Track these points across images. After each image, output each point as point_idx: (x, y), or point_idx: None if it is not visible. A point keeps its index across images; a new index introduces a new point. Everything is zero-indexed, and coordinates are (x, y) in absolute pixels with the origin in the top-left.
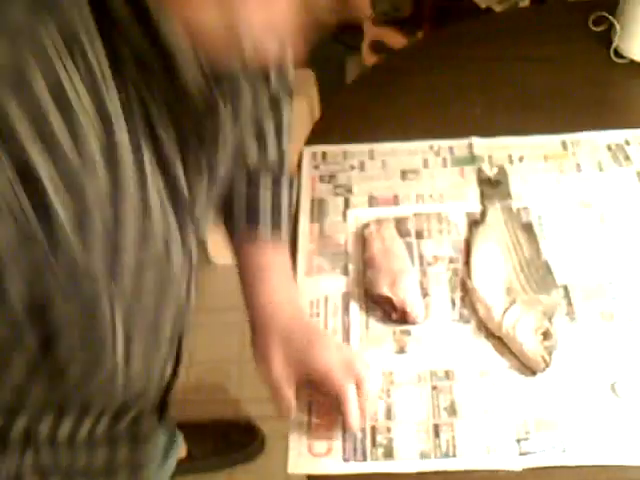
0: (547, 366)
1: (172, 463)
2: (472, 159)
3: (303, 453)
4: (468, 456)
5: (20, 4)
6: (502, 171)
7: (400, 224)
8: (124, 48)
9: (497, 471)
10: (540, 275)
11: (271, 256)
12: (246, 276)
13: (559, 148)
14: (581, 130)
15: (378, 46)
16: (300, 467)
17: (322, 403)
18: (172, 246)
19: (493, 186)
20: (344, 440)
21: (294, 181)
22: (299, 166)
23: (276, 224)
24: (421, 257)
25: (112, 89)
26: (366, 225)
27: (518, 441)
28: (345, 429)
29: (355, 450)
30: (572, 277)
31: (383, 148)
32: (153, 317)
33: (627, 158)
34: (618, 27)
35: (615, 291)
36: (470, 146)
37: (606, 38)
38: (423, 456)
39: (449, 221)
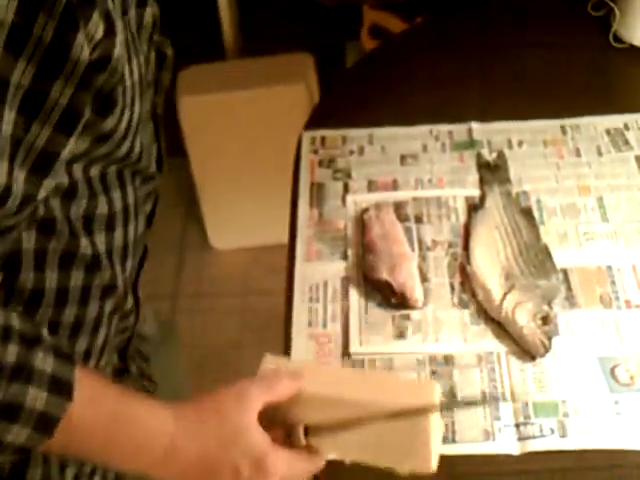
0: (546, 351)
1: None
2: (471, 144)
3: None
4: (467, 441)
5: None
6: (501, 156)
7: (399, 209)
8: None
9: (496, 456)
10: (539, 260)
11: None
12: None
13: (558, 133)
14: (580, 115)
15: (377, 31)
16: None
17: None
18: None
19: (492, 171)
20: None
21: None
22: (298, 151)
23: None
24: (420, 242)
25: None
26: (365, 210)
27: (517, 426)
28: None
29: None
30: (571, 261)
31: (382, 133)
32: None
33: (626, 143)
34: (617, 12)
35: (614, 275)
36: (469, 131)
37: (605, 23)
38: None
39: (448, 206)
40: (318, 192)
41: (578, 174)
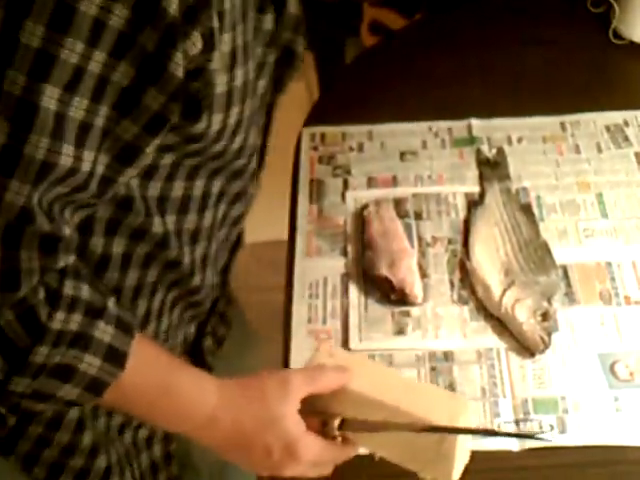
0: (546, 347)
1: None
2: (471, 140)
3: None
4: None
5: None
6: (501, 152)
7: (399, 205)
8: None
9: (496, 452)
10: (539, 256)
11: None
12: None
13: (558, 129)
14: (580, 111)
15: (377, 27)
16: None
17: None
18: None
19: (492, 167)
20: None
21: None
22: (298, 147)
23: None
24: (420, 238)
25: None
26: (365, 206)
27: (517, 422)
28: None
29: None
30: (571, 258)
31: (382, 129)
32: None
33: (626, 139)
34: (617, 8)
35: (614, 272)
36: (469, 127)
37: (605, 19)
38: None
39: (448, 202)
40: (318, 188)
41: (578, 170)
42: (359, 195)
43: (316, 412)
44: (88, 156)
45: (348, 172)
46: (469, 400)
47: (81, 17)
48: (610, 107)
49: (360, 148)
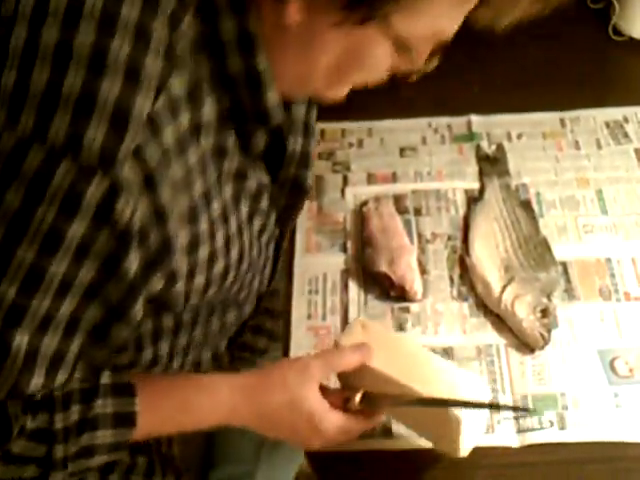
0: (546, 343)
1: None
2: (471, 136)
3: None
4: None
5: None
6: (501, 148)
7: (399, 201)
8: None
9: (496, 448)
10: (538, 252)
11: None
12: None
13: (557, 126)
14: (579, 108)
15: None
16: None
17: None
18: None
19: (492, 163)
20: None
21: None
22: None
23: None
24: (420, 234)
25: None
26: (364, 202)
27: (516, 418)
28: None
29: None
30: (571, 254)
31: (381, 126)
32: None
33: (625, 135)
34: (617, 5)
35: (613, 268)
36: (469, 123)
37: (605, 16)
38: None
39: (447, 198)
40: (317, 184)
41: (577, 167)
42: (359, 191)
43: (338, 390)
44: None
45: (348, 168)
46: (480, 378)
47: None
48: (610, 103)
49: (360, 144)
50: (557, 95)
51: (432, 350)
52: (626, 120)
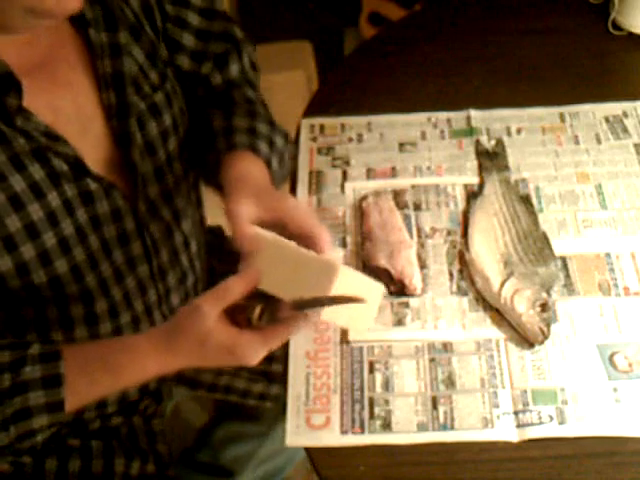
0: (545, 338)
1: None
2: (470, 131)
3: (301, 426)
4: (466, 428)
5: None
6: (500, 143)
7: (398, 196)
8: None
9: (495, 443)
10: (538, 247)
11: (249, 164)
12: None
13: (557, 120)
14: (579, 102)
15: (376, 18)
16: (298, 440)
17: (319, 375)
18: None
19: (491, 158)
20: (342, 412)
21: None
22: (297, 138)
23: (253, 144)
24: (419, 229)
25: None
26: (364, 197)
27: (516, 413)
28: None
29: (353, 422)
30: (570, 249)
31: (381, 120)
32: None
33: (625, 130)
34: (616, 0)
35: (613, 262)
36: (468, 118)
37: (604, 10)
38: (421, 428)
39: (447, 193)
40: (317, 179)
41: (577, 161)
42: (358, 186)
43: (237, 310)
44: None
45: (347, 163)
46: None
47: None
48: (609, 98)
49: (359, 139)
50: (556, 90)
51: (432, 345)
52: (625, 115)
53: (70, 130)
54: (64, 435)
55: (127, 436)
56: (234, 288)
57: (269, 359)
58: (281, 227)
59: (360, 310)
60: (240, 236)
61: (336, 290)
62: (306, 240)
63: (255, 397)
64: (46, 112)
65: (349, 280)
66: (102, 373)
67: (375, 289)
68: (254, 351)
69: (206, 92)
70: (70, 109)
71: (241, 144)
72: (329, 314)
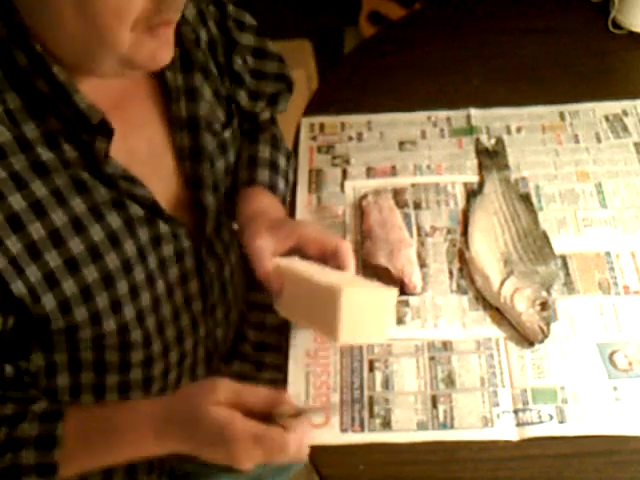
0: (545, 337)
1: None
2: (470, 130)
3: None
4: (465, 427)
5: None
6: (500, 142)
7: (398, 195)
8: None
9: (494, 442)
10: (538, 246)
11: (266, 200)
12: (241, 216)
13: (557, 119)
14: (579, 101)
15: (376, 17)
16: None
17: (319, 374)
18: None
19: (491, 157)
20: (342, 411)
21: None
22: (297, 137)
23: (273, 184)
24: (419, 228)
25: None
26: (364, 196)
27: (516, 412)
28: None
29: (353, 421)
30: (570, 247)
31: (381, 119)
32: None
33: (625, 129)
34: None
35: (613, 261)
36: (468, 117)
37: (604, 9)
38: (421, 427)
39: (447, 192)
40: (317, 178)
41: (577, 160)
42: (358, 185)
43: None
44: None
45: (347, 162)
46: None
47: None
48: (609, 97)
49: (359, 138)
50: (556, 89)
51: (431, 344)
52: (625, 113)
53: (144, 171)
54: None
55: None
56: (257, 396)
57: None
58: (300, 251)
59: (375, 322)
60: (264, 272)
61: (347, 311)
62: (332, 257)
63: None
64: (121, 154)
65: (357, 298)
66: (97, 435)
67: (387, 296)
68: (245, 439)
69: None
70: (144, 150)
71: (262, 182)
72: (346, 337)
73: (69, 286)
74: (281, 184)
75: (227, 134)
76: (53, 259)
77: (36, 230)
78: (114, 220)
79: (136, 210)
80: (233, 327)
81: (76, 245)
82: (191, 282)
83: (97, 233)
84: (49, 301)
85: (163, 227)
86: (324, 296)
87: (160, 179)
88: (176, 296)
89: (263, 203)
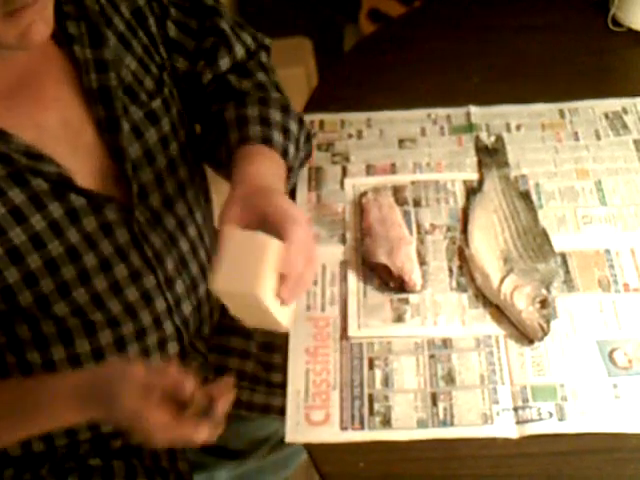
0: (545, 334)
1: None
2: (470, 127)
3: (300, 422)
4: (465, 424)
5: None
6: (500, 139)
7: (398, 192)
8: None
9: (495, 439)
10: (537, 243)
11: (259, 163)
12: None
13: (557, 116)
14: (579, 98)
15: (376, 15)
16: (297, 436)
17: (319, 371)
18: None
19: (491, 154)
20: (341, 408)
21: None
22: None
23: (267, 136)
24: (419, 225)
25: None
26: (363, 194)
27: (515, 409)
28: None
29: (353, 418)
30: (570, 245)
31: (381, 116)
32: None
33: (624, 126)
34: None
35: (612, 259)
36: (468, 114)
37: (604, 6)
38: (420, 424)
39: (447, 189)
40: (316, 175)
41: (576, 158)
42: (358, 182)
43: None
44: None
45: (347, 159)
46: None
47: None
48: (609, 94)
49: (359, 135)
50: (556, 86)
51: (431, 341)
52: (625, 111)
53: (57, 146)
54: (85, 454)
55: (149, 455)
56: (165, 380)
57: (269, 368)
58: (265, 224)
59: (250, 271)
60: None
61: (227, 252)
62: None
63: (258, 409)
64: (29, 130)
65: (239, 239)
66: (20, 403)
67: (267, 243)
68: (155, 429)
69: (216, 88)
70: (56, 125)
71: (254, 137)
72: (222, 282)
73: None
74: (277, 137)
75: (156, 103)
76: None
77: None
78: (16, 195)
79: (40, 184)
80: (209, 302)
81: None
82: (132, 256)
83: None
84: None
85: (77, 200)
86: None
87: (81, 153)
88: (116, 270)
89: (254, 167)
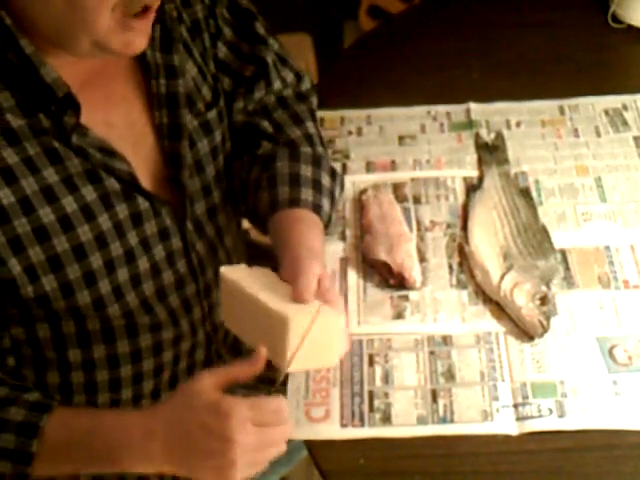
0: (545, 331)
1: None
2: (469, 124)
3: (300, 419)
4: (465, 421)
5: None
6: (499, 136)
7: (398, 189)
8: None
9: (494, 436)
10: (537, 240)
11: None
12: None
13: (556, 113)
14: (579, 95)
15: (375, 11)
16: (297, 433)
17: (319, 368)
18: None
19: (490, 151)
20: (342, 405)
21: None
22: None
23: (318, 202)
24: (419, 222)
25: None
26: (363, 191)
27: (515, 406)
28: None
29: (353, 415)
30: (569, 242)
31: (380, 113)
32: None
33: (624, 123)
34: None
35: (612, 255)
36: (467, 111)
37: (604, 3)
38: (420, 421)
39: (446, 186)
40: None
41: (576, 154)
42: (358, 179)
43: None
44: None
45: (347, 156)
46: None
47: None
48: (609, 91)
49: (359, 132)
50: (556, 83)
51: (431, 338)
52: (625, 108)
53: (123, 146)
54: None
55: None
56: (234, 371)
57: (269, 365)
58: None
59: (325, 349)
60: None
61: (296, 339)
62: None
63: None
64: (100, 127)
65: (306, 326)
66: (85, 433)
67: (335, 322)
68: (240, 415)
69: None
70: (122, 125)
71: (306, 202)
72: (299, 364)
73: (35, 253)
74: (325, 205)
75: (212, 115)
76: (21, 225)
77: (5, 196)
78: (89, 193)
79: (112, 184)
80: None
81: (46, 214)
82: (179, 263)
83: (69, 204)
84: (14, 266)
85: (143, 203)
86: (272, 321)
87: (140, 156)
88: (164, 276)
89: (300, 234)
